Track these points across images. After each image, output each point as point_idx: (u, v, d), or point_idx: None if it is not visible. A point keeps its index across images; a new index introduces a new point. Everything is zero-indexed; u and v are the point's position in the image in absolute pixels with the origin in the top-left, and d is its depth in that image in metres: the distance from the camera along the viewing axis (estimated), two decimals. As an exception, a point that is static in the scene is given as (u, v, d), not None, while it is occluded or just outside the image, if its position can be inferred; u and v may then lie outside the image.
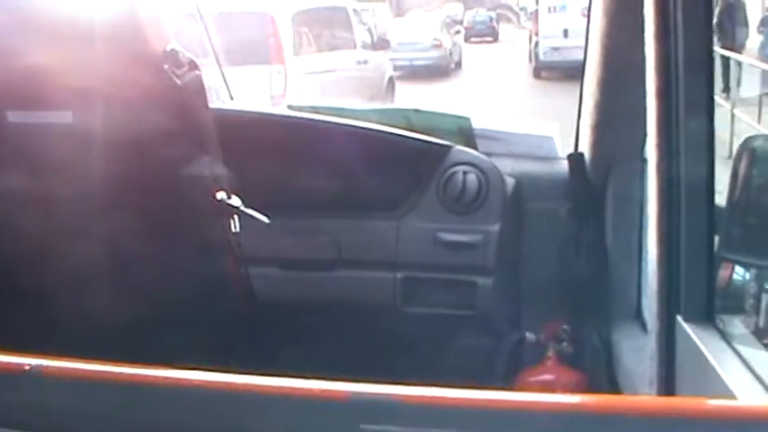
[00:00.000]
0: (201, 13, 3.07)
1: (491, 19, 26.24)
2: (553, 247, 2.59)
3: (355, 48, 10.25)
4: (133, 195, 1.81)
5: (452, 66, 18.94)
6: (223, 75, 3.02)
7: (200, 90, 1.93)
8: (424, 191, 2.60)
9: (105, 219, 1.77)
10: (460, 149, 2.62)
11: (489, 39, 25.31)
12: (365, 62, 10.25)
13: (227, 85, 3.01)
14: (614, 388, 2.28)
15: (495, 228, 2.54)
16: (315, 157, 2.65)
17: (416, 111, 2.97)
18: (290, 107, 2.98)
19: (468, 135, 2.77)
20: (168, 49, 1.85)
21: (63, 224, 1.83)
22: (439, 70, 17.56)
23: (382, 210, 2.62)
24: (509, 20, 28.06)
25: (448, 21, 21.04)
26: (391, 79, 11.43)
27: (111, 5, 1.83)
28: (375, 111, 2.90)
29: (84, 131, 1.80)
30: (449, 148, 2.61)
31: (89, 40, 1.75)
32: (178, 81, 1.84)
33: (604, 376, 2.38)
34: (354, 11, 10.85)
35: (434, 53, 18.21)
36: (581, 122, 2.56)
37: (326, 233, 2.62)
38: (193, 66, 1.91)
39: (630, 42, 1.89)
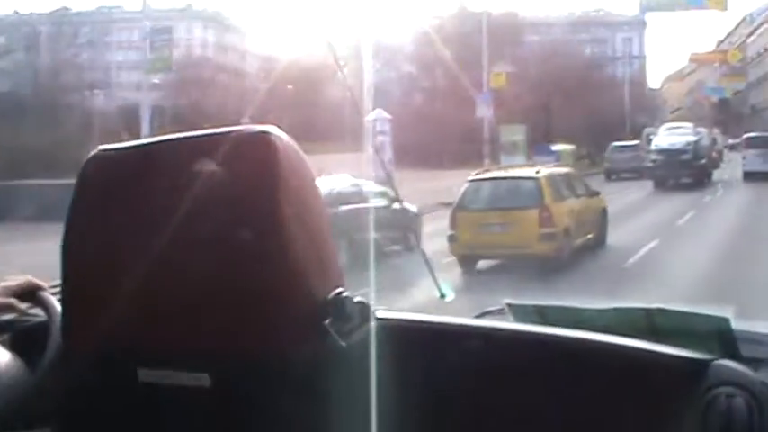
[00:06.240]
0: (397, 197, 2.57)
1: None
2: None
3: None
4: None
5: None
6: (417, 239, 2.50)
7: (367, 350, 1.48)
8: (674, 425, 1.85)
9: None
10: (721, 364, 1.94)
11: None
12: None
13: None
14: None
15: None
16: (517, 379, 1.94)
17: (661, 310, 2.30)
18: (509, 306, 2.22)
19: (726, 340, 2.11)
20: (331, 296, 1.42)
21: None
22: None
23: None
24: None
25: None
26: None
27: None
28: (609, 311, 2.24)
29: (223, 396, 1.50)
30: (707, 363, 1.95)
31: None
32: (342, 343, 1.40)
33: None
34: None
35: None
36: None
37: None
38: (366, 315, 1.46)
39: None
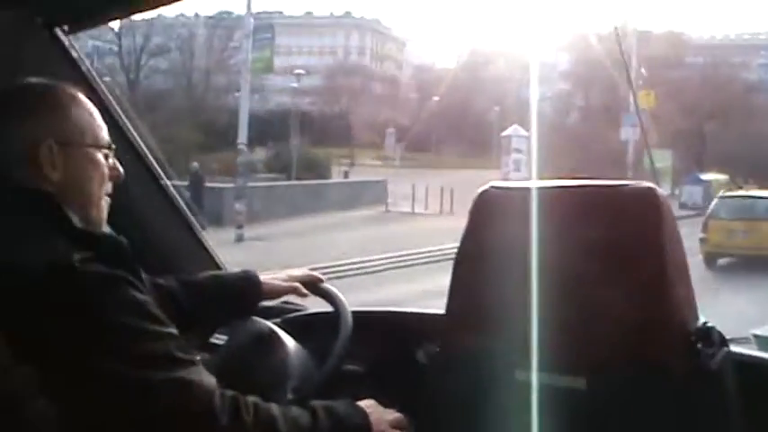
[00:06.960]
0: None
1: None
2: None
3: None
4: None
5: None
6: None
7: (728, 373, 1.71)
8: None
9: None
10: None
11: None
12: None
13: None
14: None
15: None
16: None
17: None
18: (755, 336, 2.54)
19: None
20: (700, 324, 1.72)
21: None
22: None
23: None
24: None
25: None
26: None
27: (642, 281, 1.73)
28: None
29: (598, 401, 1.73)
30: None
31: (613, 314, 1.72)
32: (711, 365, 1.68)
33: None
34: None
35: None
36: None
37: None
38: (723, 342, 1.74)
39: None
